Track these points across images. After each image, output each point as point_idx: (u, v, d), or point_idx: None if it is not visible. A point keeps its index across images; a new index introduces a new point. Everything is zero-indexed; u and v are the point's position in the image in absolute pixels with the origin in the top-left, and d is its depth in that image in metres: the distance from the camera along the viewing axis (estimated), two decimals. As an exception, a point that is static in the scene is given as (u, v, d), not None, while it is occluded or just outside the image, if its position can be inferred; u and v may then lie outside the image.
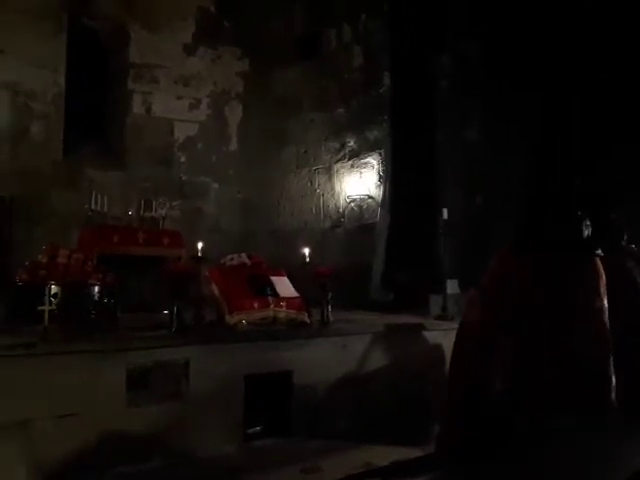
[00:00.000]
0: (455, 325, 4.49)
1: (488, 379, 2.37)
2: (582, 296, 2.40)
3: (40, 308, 2.98)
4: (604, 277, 2.44)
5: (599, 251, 2.49)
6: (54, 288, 3.20)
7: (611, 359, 2.35)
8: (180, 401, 3.12)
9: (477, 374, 2.44)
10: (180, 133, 7.57)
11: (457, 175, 5.78)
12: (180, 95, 7.55)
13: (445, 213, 4.82)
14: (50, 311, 3.00)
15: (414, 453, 3.13)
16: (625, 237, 3.28)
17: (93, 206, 5.41)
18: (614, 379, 2.34)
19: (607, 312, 2.39)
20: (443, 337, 4.35)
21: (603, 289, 2.41)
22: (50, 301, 3.04)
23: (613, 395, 2.31)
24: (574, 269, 2.43)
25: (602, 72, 4.87)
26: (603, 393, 2.30)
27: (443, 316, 4.67)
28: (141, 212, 5.91)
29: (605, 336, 2.36)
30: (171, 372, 3.10)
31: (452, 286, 4.95)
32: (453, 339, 4.33)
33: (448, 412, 2.62)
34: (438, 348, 4.29)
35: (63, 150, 6.81)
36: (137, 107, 7.35)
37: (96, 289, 3.47)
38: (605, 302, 2.40)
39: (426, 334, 4.28)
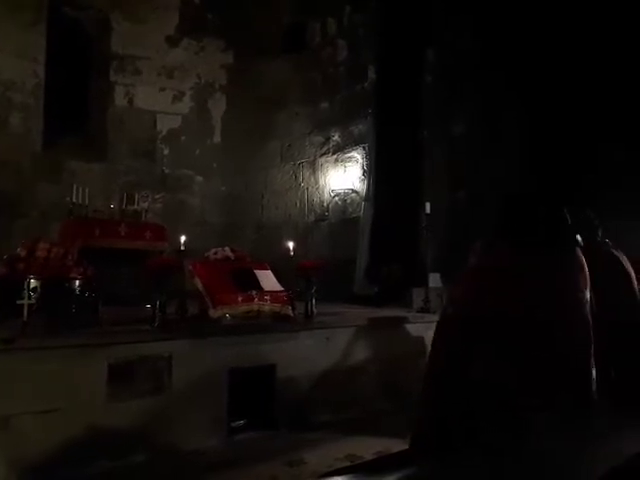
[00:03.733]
0: (438, 318, 4.56)
1: (465, 370, 2.37)
2: (565, 289, 2.40)
3: (19, 302, 2.94)
4: (586, 270, 2.44)
5: (579, 241, 2.50)
6: (33, 282, 3.14)
7: (592, 352, 2.36)
8: (163, 395, 3.10)
9: (454, 365, 2.44)
10: (163, 125, 7.50)
11: (441, 170, 5.81)
12: (163, 87, 7.47)
13: (428, 207, 4.85)
14: (29, 305, 2.95)
15: (398, 445, 3.16)
16: (600, 233, 3.36)
17: (74, 199, 5.33)
18: (594, 372, 2.36)
19: (589, 305, 2.40)
20: (425, 330, 4.39)
21: (585, 282, 2.42)
22: (29, 295, 2.99)
23: (594, 388, 2.33)
24: (556, 261, 2.43)
25: (590, 71, 4.93)
26: (584, 386, 2.33)
27: (425, 309, 4.71)
28: (123, 205, 5.84)
29: (587, 329, 2.37)
30: (154, 366, 3.08)
31: (434, 280, 5.00)
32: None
33: (422, 405, 2.63)
34: (420, 340, 4.33)
35: (43, 142, 6.71)
36: (119, 99, 7.26)
37: (77, 283, 3.42)
38: (587, 295, 2.40)
39: (409, 327, 4.32)
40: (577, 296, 2.38)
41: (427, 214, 4.86)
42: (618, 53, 4.79)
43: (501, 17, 5.34)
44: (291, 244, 4.18)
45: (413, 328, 4.34)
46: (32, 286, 3.09)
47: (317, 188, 6.92)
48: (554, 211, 2.51)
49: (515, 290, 2.35)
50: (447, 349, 2.52)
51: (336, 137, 6.72)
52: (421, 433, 2.49)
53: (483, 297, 2.41)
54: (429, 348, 4.47)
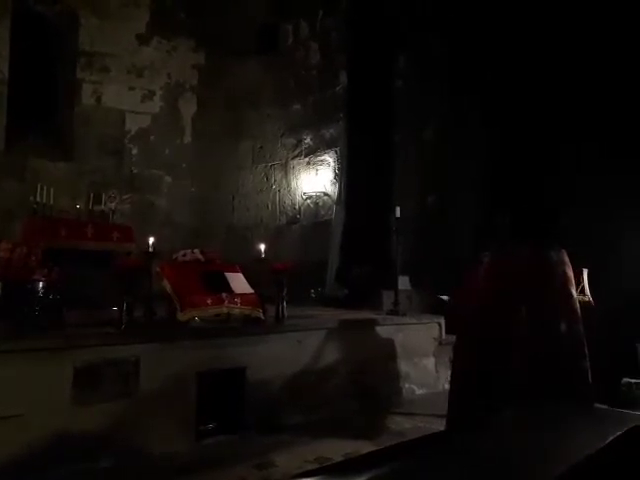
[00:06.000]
0: (407, 320, 4.63)
1: (493, 365, 2.49)
2: (559, 283, 2.55)
3: (-21, 304, 2.85)
4: (571, 267, 2.61)
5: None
6: (-5, 283, 3.05)
7: (585, 342, 2.51)
8: (130, 399, 3.05)
9: (482, 361, 2.57)
10: (132, 125, 7.36)
11: (411, 174, 5.89)
12: (132, 86, 7.34)
13: (398, 211, 4.91)
14: (-10, 308, 2.86)
15: (367, 447, 3.19)
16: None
17: (38, 198, 5.18)
18: (588, 361, 2.51)
19: (577, 300, 2.58)
20: (395, 332, 4.45)
21: (572, 278, 2.58)
22: (-10, 297, 2.90)
23: (589, 376, 2.47)
24: (550, 260, 2.59)
25: (558, 73, 5.05)
26: (581, 373, 2.46)
27: (395, 311, 4.77)
28: (90, 205, 5.71)
29: (579, 320, 2.53)
30: (121, 370, 3.02)
31: (403, 282, 5.07)
32: (405, 333, 4.46)
33: (455, 398, 2.73)
34: (390, 342, 4.39)
35: (6, 139, 6.49)
36: (86, 97, 7.09)
37: (40, 284, 3.32)
38: (574, 290, 2.58)
39: (379, 329, 4.36)
40: (569, 290, 2.55)
41: (397, 218, 4.93)
42: (587, 52, 4.92)
43: (469, 22, 5.46)
44: (262, 246, 4.17)
45: (383, 330, 4.38)
46: (-7, 288, 3.00)
47: (289, 190, 6.92)
48: (544, 211, 2.70)
49: (520, 290, 2.50)
50: (468, 350, 2.64)
51: (308, 140, 6.73)
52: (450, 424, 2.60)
53: (504, 297, 2.55)
54: (398, 349, 4.57)
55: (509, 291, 2.53)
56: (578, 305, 2.60)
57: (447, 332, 4.69)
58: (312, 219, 6.58)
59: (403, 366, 4.43)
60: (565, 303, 2.56)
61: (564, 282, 2.59)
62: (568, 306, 2.56)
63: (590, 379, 2.49)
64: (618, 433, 1.20)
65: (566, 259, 2.63)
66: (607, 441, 1.17)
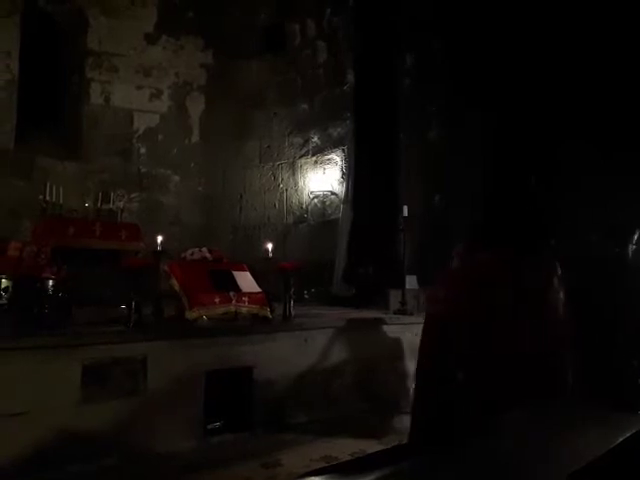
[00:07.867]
0: (414, 319, 4.61)
1: (451, 369, 2.41)
2: (545, 290, 2.45)
3: (-11, 302, 2.87)
4: (559, 272, 2.50)
5: (554, 248, 2.55)
6: (5, 282, 3.08)
7: (568, 351, 2.42)
8: (138, 397, 3.06)
9: (440, 364, 2.48)
10: (140, 124, 7.39)
11: (418, 174, 5.87)
12: (140, 85, 7.37)
13: (405, 210, 4.89)
14: (0, 305, 2.89)
15: (373, 446, 3.18)
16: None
17: (47, 197, 5.22)
18: (570, 371, 2.42)
19: (564, 306, 2.46)
20: (402, 331, 4.43)
21: (559, 283, 2.48)
22: (0, 295, 2.92)
23: (569, 387, 2.39)
24: (533, 264, 2.48)
25: (559, 76, 5.03)
26: (559, 385, 2.38)
27: (402, 310, 4.75)
28: (98, 204, 5.75)
29: (563, 329, 2.43)
30: (129, 368, 3.04)
31: (411, 282, 5.04)
32: (412, 332, 4.44)
33: (415, 401, 2.67)
34: (397, 342, 4.38)
35: (15, 138, 6.55)
36: (95, 96, 7.13)
37: (50, 283, 3.34)
38: (562, 295, 2.46)
39: (386, 328, 4.36)
40: (556, 297, 2.44)
41: (404, 217, 4.91)
42: (586, 53, 4.89)
43: (474, 23, 5.43)
44: (269, 245, 4.17)
45: (390, 329, 4.37)
46: (3, 286, 3.03)
47: (296, 189, 6.92)
48: (534, 217, 2.58)
49: (496, 293, 2.39)
50: (432, 350, 2.56)
51: (315, 139, 6.73)
52: (414, 432, 2.53)
53: (466, 300, 2.44)
54: (406, 349, 4.55)
55: (463, 295, 2.42)
56: (565, 310, 2.45)
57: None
58: (319, 218, 6.58)
59: (410, 365, 4.41)
60: (548, 309, 2.42)
61: (548, 288, 2.44)
62: (553, 312, 2.42)
63: (570, 383, 2.39)
64: (627, 435, 1.19)
65: (553, 270, 2.45)
66: (616, 442, 1.16)
